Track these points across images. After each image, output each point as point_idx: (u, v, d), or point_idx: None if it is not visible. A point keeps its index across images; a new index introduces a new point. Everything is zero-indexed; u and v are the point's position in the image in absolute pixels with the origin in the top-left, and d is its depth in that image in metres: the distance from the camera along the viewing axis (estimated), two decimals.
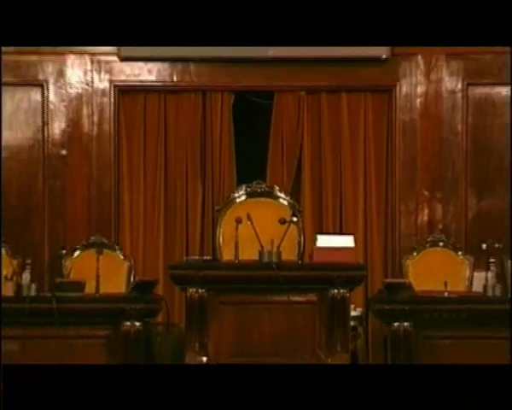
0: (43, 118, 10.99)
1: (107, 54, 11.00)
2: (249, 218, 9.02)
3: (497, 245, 9.58)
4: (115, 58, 10.99)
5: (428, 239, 10.24)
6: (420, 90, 11.03)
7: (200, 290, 8.94)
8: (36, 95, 11.03)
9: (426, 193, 10.95)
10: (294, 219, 9.45)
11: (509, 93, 11.38)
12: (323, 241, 9.35)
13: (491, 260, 9.39)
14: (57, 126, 10.98)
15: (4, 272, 9.57)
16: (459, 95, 10.97)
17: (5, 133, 11.15)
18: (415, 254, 10.02)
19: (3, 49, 11.42)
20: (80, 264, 9.72)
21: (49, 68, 10.99)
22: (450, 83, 11.00)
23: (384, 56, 10.92)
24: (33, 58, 11.04)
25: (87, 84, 11.02)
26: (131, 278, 9.80)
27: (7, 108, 11.14)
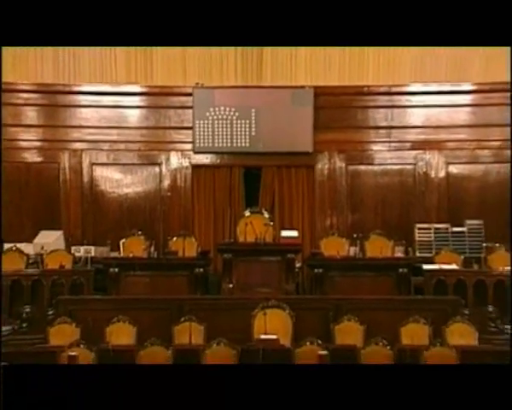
0: (160, 179, 10.83)
1: (189, 150, 10.73)
2: (251, 223, 9.28)
3: (360, 235, 9.76)
4: (192, 152, 10.77)
5: (330, 233, 10.15)
6: (326, 166, 10.80)
7: (228, 255, 9.11)
8: (156, 169, 10.83)
9: (329, 211, 10.79)
10: (271, 223, 9.53)
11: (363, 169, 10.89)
12: (284, 233, 9.55)
13: (358, 242, 9.67)
14: (166, 183, 10.83)
15: (143, 246, 9.68)
16: (343, 169, 10.77)
17: (144, 185, 10.83)
18: (324, 239, 9.89)
19: (142, 146, 10.92)
20: (176, 243, 9.63)
21: (162, 157, 10.81)
22: (340, 163, 10.78)
23: (310, 151, 10.65)
24: (155, 153, 10.80)
25: (179, 164, 10.84)
26: (198, 250, 9.69)
27: (144, 174, 10.83)
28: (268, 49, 10.85)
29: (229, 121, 10.73)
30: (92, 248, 9.91)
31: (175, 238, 9.77)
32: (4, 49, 10.33)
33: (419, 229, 10.30)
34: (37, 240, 9.94)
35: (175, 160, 10.87)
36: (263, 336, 7.65)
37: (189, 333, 7.63)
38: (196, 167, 10.87)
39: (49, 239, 9.94)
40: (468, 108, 10.68)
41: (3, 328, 8.27)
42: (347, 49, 10.78)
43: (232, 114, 10.74)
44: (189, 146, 10.80)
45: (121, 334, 7.84)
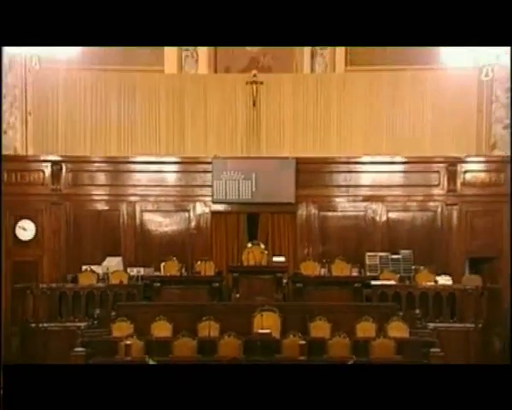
0: (189, 221, 10.37)
1: (209, 201, 10.46)
2: (252, 252, 9.26)
3: (328, 260, 9.60)
4: (211, 203, 10.45)
5: (307, 258, 9.98)
6: (305, 213, 10.50)
7: (236, 274, 9.00)
8: (186, 214, 10.44)
9: (306, 244, 10.48)
10: (266, 252, 9.44)
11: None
12: (275, 259, 9.45)
13: (326, 265, 9.51)
14: (193, 224, 10.48)
15: (177, 268, 9.46)
16: (316, 215, 10.49)
17: (177, 226, 10.42)
18: (303, 263, 9.76)
19: (176, 198, 10.45)
20: (199, 266, 9.44)
21: (190, 206, 10.50)
22: (313, 211, 10.47)
23: (293, 202, 10.37)
24: (185, 203, 10.51)
25: (202, 211, 10.52)
26: (215, 270, 9.47)
27: (178, 218, 10.42)
28: (264, 132, 10.75)
29: (236, 181, 10.54)
30: (142, 269, 9.76)
31: (199, 262, 9.62)
32: (84, 129, 10.53)
33: (368, 256, 10.16)
34: (104, 263, 9.87)
35: (199, 208, 10.67)
36: (260, 331, 7.66)
37: (209, 328, 7.65)
38: (214, 213, 10.65)
39: (113, 263, 9.85)
40: (401, 174, 10.59)
41: (82, 324, 8.41)
42: (319, 132, 10.70)
43: (239, 176, 10.55)
44: (209, 198, 10.59)
45: (162, 329, 7.82)
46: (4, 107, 9.84)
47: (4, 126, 9.96)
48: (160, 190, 10.66)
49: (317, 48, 10.76)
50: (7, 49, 6.83)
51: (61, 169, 10.46)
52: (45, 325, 8.72)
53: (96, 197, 10.66)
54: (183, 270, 9.55)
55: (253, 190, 10.59)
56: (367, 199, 10.57)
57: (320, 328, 7.87)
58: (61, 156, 10.52)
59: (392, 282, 9.33)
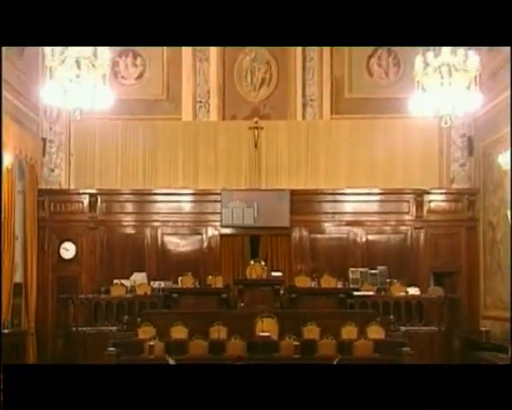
0: (202, 242, 10.39)
1: (218, 226, 10.36)
2: (254, 268, 9.33)
3: (317, 275, 9.49)
4: (220, 227, 10.36)
5: (300, 273, 9.90)
6: (298, 234, 10.42)
7: (241, 286, 9.05)
8: (199, 236, 10.43)
9: (299, 261, 10.35)
10: (266, 268, 9.45)
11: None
12: (274, 273, 9.48)
13: (316, 279, 9.45)
14: (205, 244, 10.46)
15: (191, 281, 9.36)
16: (307, 237, 10.44)
17: (192, 246, 10.40)
18: (297, 277, 9.67)
19: (191, 224, 10.36)
20: (210, 279, 9.42)
21: (203, 229, 10.45)
22: (305, 233, 10.43)
23: (288, 226, 10.29)
24: (199, 227, 10.37)
25: (213, 234, 10.45)
26: (223, 283, 9.45)
27: (192, 240, 10.41)
28: (264, 168, 10.80)
29: (241, 209, 10.45)
30: (162, 282, 9.69)
31: (210, 276, 9.56)
32: (115, 167, 10.53)
33: (351, 271, 10.10)
34: (131, 278, 9.86)
35: (210, 231, 10.58)
36: (261, 334, 7.79)
37: (218, 332, 7.77)
38: (222, 236, 10.54)
39: (139, 277, 9.83)
40: (377, 203, 10.56)
41: (113, 328, 8.53)
42: (309, 168, 10.74)
43: (243, 205, 10.46)
44: (218, 223, 10.48)
45: (179, 332, 7.89)
46: (52, 149, 10.27)
47: (52, 166, 10.33)
48: (178, 217, 10.63)
49: (308, 98, 10.90)
50: (55, 102, 6.04)
51: (97, 200, 10.51)
52: (83, 328, 8.91)
53: (125, 223, 10.61)
54: (197, 283, 9.53)
55: (255, 216, 10.53)
56: (349, 224, 10.57)
57: (311, 331, 7.93)
58: (97, 189, 10.51)
59: (371, 292, 9.43)
